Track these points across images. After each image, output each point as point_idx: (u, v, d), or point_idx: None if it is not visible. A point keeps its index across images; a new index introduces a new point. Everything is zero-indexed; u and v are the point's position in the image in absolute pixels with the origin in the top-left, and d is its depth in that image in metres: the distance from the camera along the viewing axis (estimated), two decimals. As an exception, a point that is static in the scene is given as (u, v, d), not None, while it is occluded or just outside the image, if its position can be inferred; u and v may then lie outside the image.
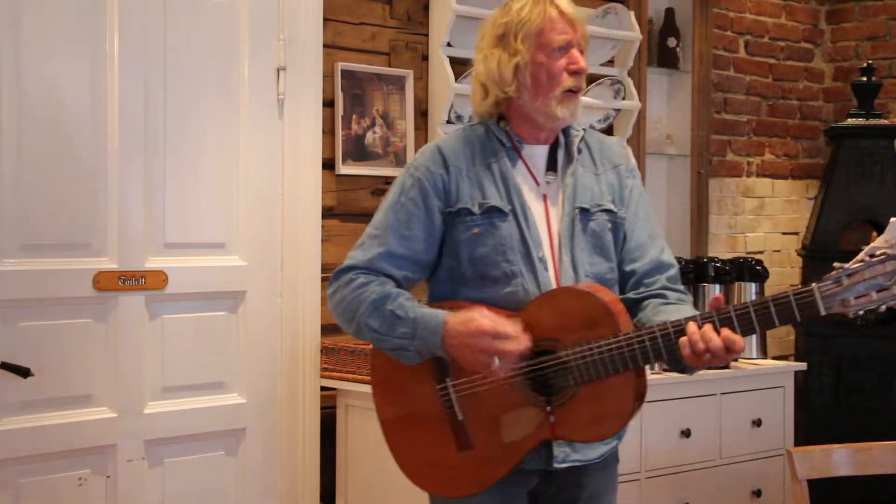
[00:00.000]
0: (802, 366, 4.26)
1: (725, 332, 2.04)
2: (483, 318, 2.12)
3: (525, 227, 2.24)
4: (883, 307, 1.99)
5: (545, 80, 2.24)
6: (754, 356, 4.17)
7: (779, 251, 5.21)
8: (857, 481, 2.95)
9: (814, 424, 4.74)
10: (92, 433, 3.11)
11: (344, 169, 3.60)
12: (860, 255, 2.00)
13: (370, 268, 2.26)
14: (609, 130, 4.35)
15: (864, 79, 4.96)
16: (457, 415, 2.24)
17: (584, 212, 2.27)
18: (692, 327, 2.05)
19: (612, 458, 2.38)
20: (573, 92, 2.25)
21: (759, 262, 4.24)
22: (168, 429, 3.26)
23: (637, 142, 4.42)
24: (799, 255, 5.15)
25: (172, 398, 3.27)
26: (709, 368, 2.26)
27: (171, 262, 3.25)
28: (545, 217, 2.27)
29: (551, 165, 2.31)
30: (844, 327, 4.78)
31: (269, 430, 3.47)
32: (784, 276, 5.18)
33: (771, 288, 4.37)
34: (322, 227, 3.53)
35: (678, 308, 2.23)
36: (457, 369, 2.23)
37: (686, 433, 3.73)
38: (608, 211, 2.30)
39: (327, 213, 3.56)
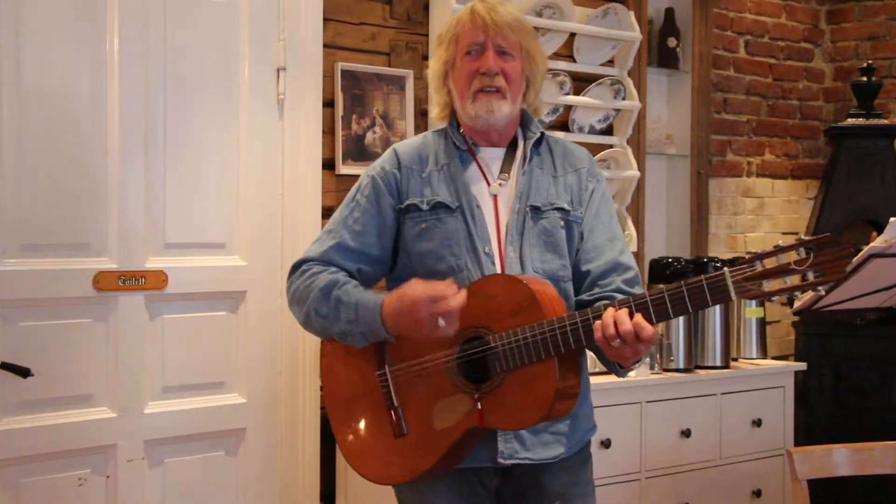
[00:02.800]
0: (802, 366, 4.26)
1: (637, 318, 2.06)
2: (413, 288, 2.16)
3: (471, 223, 2.30)
4: (798, 293, 2.00)
5: (460, 83, 2.35)
6: (754, 356, 4.17)
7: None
8: (857, 481, 2.95)
9: (814, 424, 4.74)
10: (92, 433, 3.11)
11: (344, 169, 3.61)
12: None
13: (322, 259, 2.34)
14: (609, 130, 4.35)
15: (864, 79, 4.96)
16: (394, 401, 2.28)
17: (536, 210, 2.33)
18: (608, 312, 2.09)
19: (578, 458, 2.37)
20: (486, 92, 2.31)
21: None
22: (168, 429, 3.26)
23: (637, 142, 4.42)
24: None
25: (172, 398, 3.27)
26: (626, 368, 2.26)
27: (171, 262, 3.25)
28: (494, 215, 2.32)
29: (506, 168, 2.36)
30: (844, 327, 4.79)
31: (269, 430, 3.47)
32: (784, 276, 5.17)
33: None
34: (322, 227, 3.53)
35: None
36: (396, 356, 2.28)
37: (686, 433, 3.73)
38: (561, 209, 2.34)
39: (327, 213, 3.56)
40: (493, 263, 2.28)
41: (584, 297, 2.32)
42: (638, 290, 2.32)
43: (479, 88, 2.30)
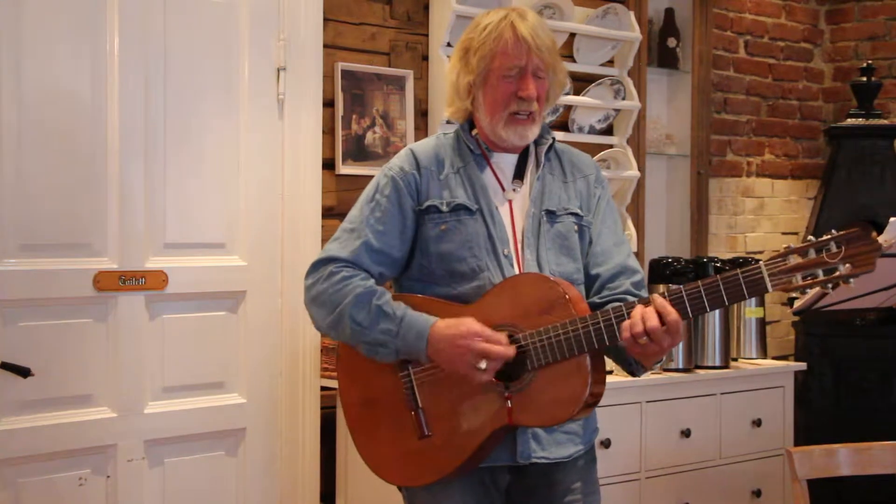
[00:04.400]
0: (802, 366, 4.26)
1: (658, 301, 2.08)
2: (473, 322, 2.18)
3: (491, 225, 2.30)
4: (829, 286, 2.04)
5: (492, 102, 2.30)
6: (754, 356, 4.16)
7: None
8: (857, 481, 2.95)
9: (814, 424, 4.74)
10: (92, 433, 3.11)
11: (344, 169, 3.61)
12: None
13: (351, 261, 2.30)
14: (609, 130, 4.35)
15: (864, 79, 4.96)
16: (417, 402, 2.27)
17: (551, 213, 2.33)
18: (638, 309, 2.11)
19: (587, 458, 2.39)
20: (521, 118, 2.29)
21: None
22: (168, 429, 3.26)
23: (637, 142, 4.42)
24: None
25: (172, 398, 3.27)
26: (647, 368, 2.28)
27: (171, 262, 3.25)
28: (510, 218, 2.33)
29: (519, 174, 2.36)
30: (844, 327, 4.79)
31: (269, 430, 3.47)
32: (784, 276, 5.17)
33: (771, 288, 4.37)
34: (322, 227, 3.53)
35: None
36: None
37: (686, 433, 3.73)
38: (574, 214, 2.36)
39: (327, 213, 3.57)
40: (512, 265, 2.29)
41: (595, 299, 2.33)
42: (645, 293, 2.34)
43: (516, 112, 2.29)
